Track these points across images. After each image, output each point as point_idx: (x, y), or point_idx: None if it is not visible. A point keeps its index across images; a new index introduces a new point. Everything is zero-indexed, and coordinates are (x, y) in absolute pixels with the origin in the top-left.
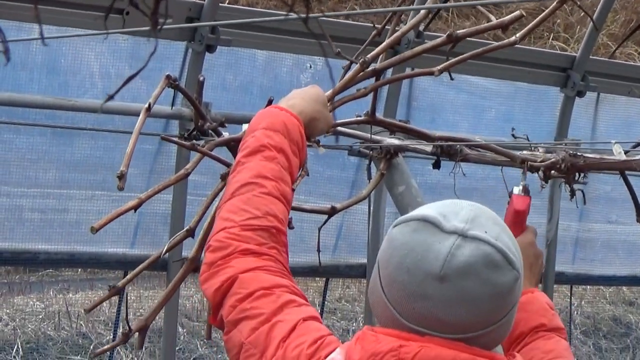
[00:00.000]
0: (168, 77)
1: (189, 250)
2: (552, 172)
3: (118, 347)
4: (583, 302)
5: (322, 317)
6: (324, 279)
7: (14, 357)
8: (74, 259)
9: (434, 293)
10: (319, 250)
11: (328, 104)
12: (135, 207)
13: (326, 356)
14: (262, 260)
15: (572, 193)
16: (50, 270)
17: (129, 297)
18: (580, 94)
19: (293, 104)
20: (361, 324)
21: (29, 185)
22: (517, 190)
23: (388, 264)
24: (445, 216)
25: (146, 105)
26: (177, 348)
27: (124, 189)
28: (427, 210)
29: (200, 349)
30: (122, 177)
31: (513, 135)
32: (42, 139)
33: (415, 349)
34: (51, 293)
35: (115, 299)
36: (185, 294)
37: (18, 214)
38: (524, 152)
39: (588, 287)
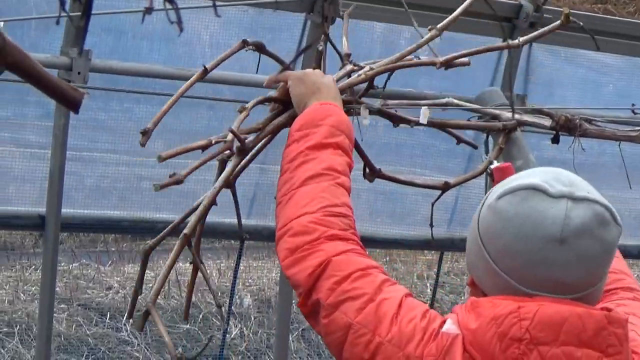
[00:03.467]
0: (244, 41)
1: None
2: None
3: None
4: None
5: (435, 296)
6: (439, 252)
7: (124, 324)
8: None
9: (555, 257)
10: (432, 225)
11: None
12: (204, 147)
13: (440, 327)
14: (349, 244)
15: None
16: None
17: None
18: None
19: (337, 101)
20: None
21: (147, 155)
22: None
23: (500, 235)
24: (549, 182)
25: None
26: None
27: None
28: (529, 178)
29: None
30: (145, 133)
31: (633, 111)
32: (161, 108)
33: (534, 308)
34: (161, 262)
35: (224, 269)
36: None
37: (137, 183)
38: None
39: None
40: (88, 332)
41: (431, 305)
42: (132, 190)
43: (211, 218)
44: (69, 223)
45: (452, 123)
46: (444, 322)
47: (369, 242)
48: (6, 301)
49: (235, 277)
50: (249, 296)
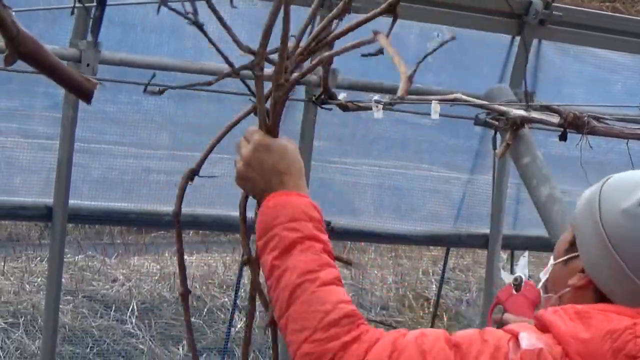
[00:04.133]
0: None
1: None
2: None
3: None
4: None
5: (440, 290)
6: (444, 248)
7: (129, 317)
8: (198, 221)
9: None
10: None
11: None
12: None
13: (512, 346)
14: (365, 337)
15: None
16: (163, 232)
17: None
18: None
19: (295, 183)
20: (474, 294)
21: (155, 147)
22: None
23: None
24: None
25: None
26: None
27: None
28: None
29: None
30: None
31: None
32: (169, 101)
33: None
34: (166, 254)
35: (229, 262)
36: None
37: (145, 175)
38: None
39: None
40: (93, 324)
41: (437, 302)
42: (139, 182)
43: (219, 211)
44: (76, 214)
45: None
46: (511, 341)
47: (375, 238)
48: (12, 292)
49: (240, 270)
50: None
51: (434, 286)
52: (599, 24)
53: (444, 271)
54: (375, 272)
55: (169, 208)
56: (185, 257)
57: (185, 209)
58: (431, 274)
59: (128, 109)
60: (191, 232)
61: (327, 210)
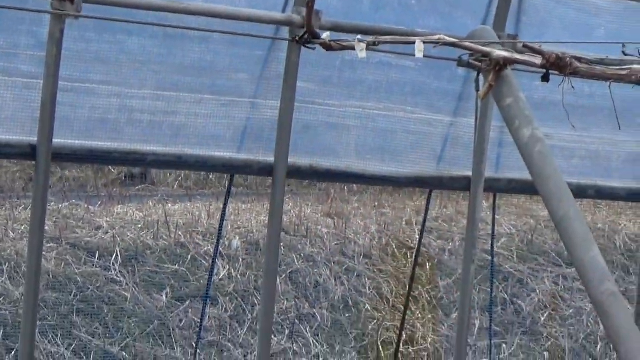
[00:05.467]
0: None
1: (295, 157)
2: None
3: (216, 259)
4: None
5: (422, 237)
6: (424, 199)
7: (113, 264)
8: (181, 161)
9: None
10: None
11: None
12: None
13: None
14: None
15: None
16: (148, 185)
17: (227, 210)
18: None
19: None
20: (457, 244)
21: (139, 87)
22: None
23: None
24: None
25: None
26: None
27: (233, 93)
28: None
29: (297, 263)
30: None
31: (624, 53)
32: (154, 41)
33: None
34: (150, 203)
35: (213, 211)
36: (283, 209)
37: (128, 114)
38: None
39: None
40: (77, 270)
41: (418, 248)
42: (123, 122)
43: (200, 151)
44: (59, 153)
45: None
46: None
47: (357, 179)
48: None
49: (223, 216)
50: (237, 238)
51: (417, 236)
52: None
53: (426, 214)
54: (359, 221)
55: (153, 148)
56: (169, 205)
57: (169, 150)
58: (414, 223)
59: (113, 48)
60: (175, 185)
61: (310, 152)
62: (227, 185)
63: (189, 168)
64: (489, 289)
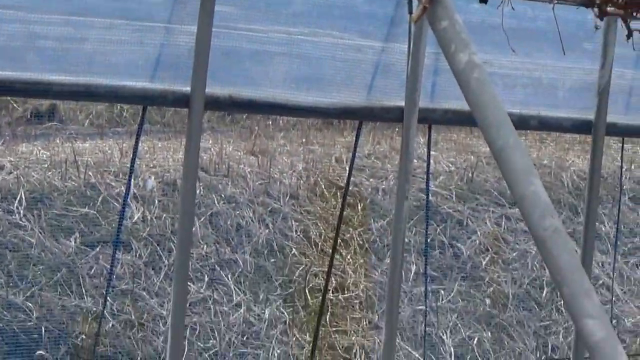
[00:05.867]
0: None
1: (213, 86)
2: (609, 7)
3: (129, 200)
4: (633, 167)
5: (351, 173)
6: (354, 135)
7: (17, 207)
8: (90, 91)
9: None
10: None
11: None
12: None
13: None
14: None
15: (629, 33)
16: (56, 123)
17: (141, 147)
18: None
19: None
20: (391, 183)
21: (44, 11)
22: None
23: None
24: None
25: None
26: None
27: (146, 18)
28: None
29: (217, 204)
30: None
31: None
32: None
33: None
34: (57, 141)
35: (127, 149)
36: (203, 146)
37: (32, 41)
38: None
39: (639, 149)
40: None
41: (346, 189)
42: (27, 49)
43: (110, 81)
44: None
45: None
46: None
47: (281, 110)
48: None
49: (135, 152)
50: (152, 178)
51: (346, 173)
52: None
53: (355, 148)
54: (285, 159)
55: (59, 77)
56: (78, 144)
57: (77, 79)
58: (345, 161)
59: None
60: (86, 123)
61: (230, 81)
62: (140, 119)
63: (99, 99)
64: (425, 231)
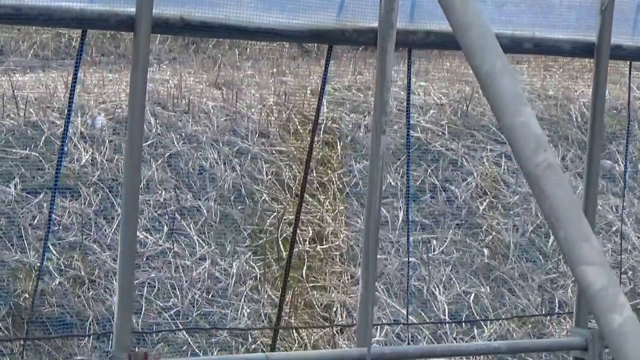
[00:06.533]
0: None
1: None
2: None
3: (76, 139)
4: None
5: (321, 102)
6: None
7: None
8: (21, 13)
9: None
10: None
11: None
12: None
13: None
14: None
15: None
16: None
17: (89, 81)
18: None
19: None
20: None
21: None
22: None
23: None
24: None
25: None
26: (148, 142)
27: None
28: None
29: (176, 144)
30: None
31: None
32: None
33: None
34: None
35: (69, 82)
36: (160, 78)
37: None
38: None
39: None
40: None
41: (315, 121)
42: None
43: (45, 2)
44: None
45: None
46: None
47: (240, 33)
48: None
49: (74, 83)
50: (102, 115)
51: (326, 108)
52: None
53: (325, 75)
54: (253, 92)
55: None
56: (17, 76)
57: (6, 0)
58: (316, 94)
59: None
60: (30, 54)
61: (181, 1)
62: (78, 46)
63: (31, 23)
64: (407, 170)
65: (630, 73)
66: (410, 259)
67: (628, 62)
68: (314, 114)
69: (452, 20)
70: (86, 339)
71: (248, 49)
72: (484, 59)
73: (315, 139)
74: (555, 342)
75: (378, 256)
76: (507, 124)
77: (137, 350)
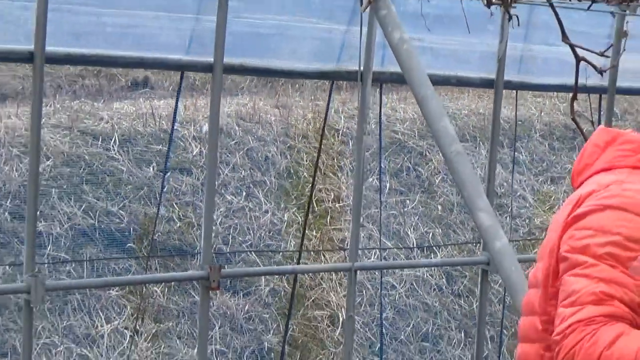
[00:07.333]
0: None
1: (229, 56)
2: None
3: (190, 139)
4: (542, 113)
5: (327, 115)
6: (348, 93)
7: (112, 145)
8: (143, 62)
9: None
10: None
11: None
12: None
13: None
14: None
15: (509, 17)
16: (148, 90)
17: (202, 103)
18: None
19: None
20: (373, 126)
21: (109, 6)
22: None
23: None
24: None
25: None
26: (234, 141)
27: (181, 10)
28: None
29: (251, 143)
30: None
31: None
32: None
33: None
34: (141, 100)
35: (189, 104)
36: (242, 102)
37: (102, 28)
38: None
39: (547, 101)
40: (85, 151)
41: (323, 127)
42: (98, 33)
43: (158, 55)
44: (55, 57)
45: None
46: None
47: (276, 73)
48: (24, 128)
49: (176, 105)
50: (206, 124)
51: (343, 121)
52: None
53: (329, 100)
54: (299, 110)
55: (121, 53)
56: (155, 101)
57: (134, 54)
58: (340, 111)
59: None
60: (170, 89)
61: (241, 54)
62: (179, 82)
63: (150, 67)
64: (379, 157)
65: (516, 98)
66: (391, 212)
67: (515, 92)
68: (336, 124)
69: (401, 65)
70: (194, 259)
71: (296, 84)
72: (420, 89)
73: (335, 139)
74: (472, 259)
75: (371, 210)
76: (434, 128)
77: (215, 264)
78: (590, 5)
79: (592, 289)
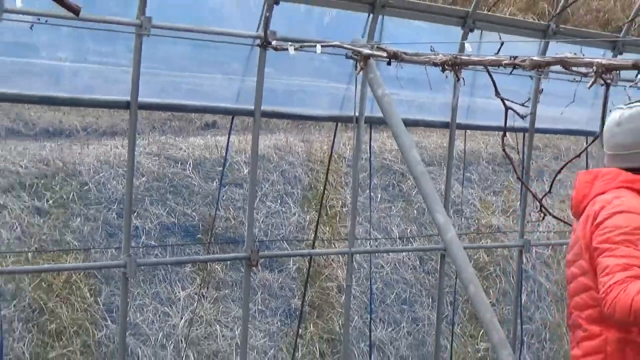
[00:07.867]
0: None
1: (265, 105)
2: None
3: (238, 164)
4: (487, 146)
5: (333, 145)
6: (352, 132)
7: (188, 167)
8: (204, 108)
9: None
10: None
11: None
12: None
13: None
14: None
15: (459, 78)
16: (216, 129)
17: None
18: None
19: None
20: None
21: (181, 69)
22: None
23: None
24: None
25: None
26: (274, 164)
27: (233, 72)
28: None
29: (285, 165)
30: None
31: (431, 49)
32: (188, 48)
33: None
34: (209, 136)
35: (242, 137)
36: (276, 137)
37: (177, 85)
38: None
39: (491, 138)
40: (168, 172)
41: (330, 156)
42: (175, 89)
43: (214, 104)
44: (149, 105)
45: None
46: None
47: (295, 117)
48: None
49: (227, 144)
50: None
51: (348, 150)
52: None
53: (334, 138)
54: (318, 143)
55: (194, 103)
56: (217, 137)
57: (199, 103)
58: (347, 144)
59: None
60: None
61: (272, 103)
62: (229, 124)
63: (211, 112)
64: (369, 178)
65: (465, 135)
66: (381, 214)
67: (464, 131)
68: (342, 153)
69: (383, 113)
70: (242, 246)
71: (317, 125)
72: (397, 129)
73: (342, 164)
74: (436, 247)
75: (367, 213)
76: (406, 156)
77: (255, 248)
78: (512, 70)
79: (618, 261)
